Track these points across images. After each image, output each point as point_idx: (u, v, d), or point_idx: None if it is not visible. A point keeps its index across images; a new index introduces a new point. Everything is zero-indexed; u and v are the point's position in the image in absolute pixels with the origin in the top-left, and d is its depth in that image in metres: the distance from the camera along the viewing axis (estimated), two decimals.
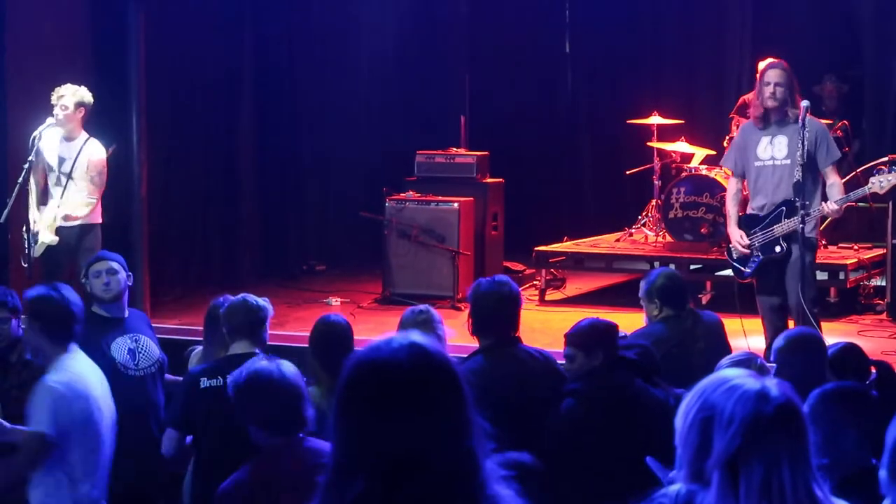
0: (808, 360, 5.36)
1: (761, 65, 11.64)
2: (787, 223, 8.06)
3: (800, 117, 8.00)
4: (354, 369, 2.41)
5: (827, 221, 10.55)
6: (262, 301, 6.15)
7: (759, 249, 8.21)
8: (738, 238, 8.31)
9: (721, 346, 6.80)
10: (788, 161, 8.09)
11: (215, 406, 5.90)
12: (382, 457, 2.33)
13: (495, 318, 5.93)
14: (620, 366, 5.59)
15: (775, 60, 8.46)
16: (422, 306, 6.42)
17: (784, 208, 8.10)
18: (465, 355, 5.98)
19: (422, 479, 2.33)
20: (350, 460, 2.37)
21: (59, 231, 9.17)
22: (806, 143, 7.95)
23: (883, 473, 2.70)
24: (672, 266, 11.22)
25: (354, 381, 2.40)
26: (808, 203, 7.94)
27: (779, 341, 5.57)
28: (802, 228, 7.92)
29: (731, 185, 8.59)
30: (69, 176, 9.20)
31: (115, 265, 6.81)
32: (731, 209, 8.46)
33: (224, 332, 6.16)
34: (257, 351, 6.05)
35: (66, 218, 9.13)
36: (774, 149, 8.20)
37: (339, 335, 6.17)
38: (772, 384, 2.60)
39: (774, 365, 5.38)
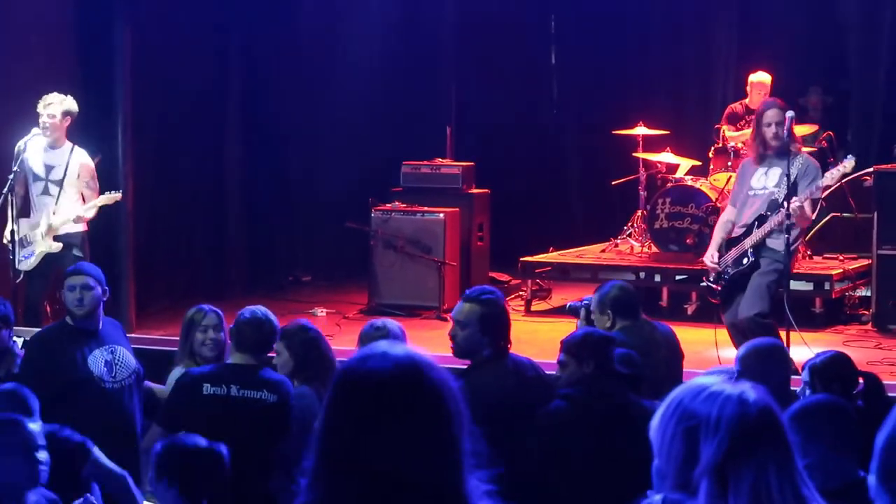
0: (769, 369, 5.42)
1: (753, 77, 11.78)
2: (757, 232, 8.28)
3: (785, 126, 8.17)
4: (342, 378, 2.40)
5: (812, 232, 10.60)
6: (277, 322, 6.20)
7: (731, 265, 8.39)
8: (708, 259, 8.53)
9: (679, 356, 6.84)
10: (777, 189, 8.23)
11: (221, 415, 5.89)
12: (364, 468, 2.31)
13: (503, 327, 5.92)
14: (611, 377, 5.57)
15: (770, 100, 8.63)
16: (378, 322, 6.45)
17: (756, 222, 8.34)
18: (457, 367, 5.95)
19: (405, 494, 2.31)
20: (331, 469, 2.35)
21: (60, 238, 9.22)
22: (795, 170, 8.16)
23: (872, 479, 2.69)
24: (657, 277, 11.26)
25: (341, 390, 2.39)
26: (768, 215, 8.17)
27: (742, 350, 5.72)
28: (766, 248, 8.18)
29: (726, 213, 8.74)
30: (60, 184, 9.21)
31: (90, 281, 6.65)
32: (717, 234, 8.66)
33: (233, 338, 6.18)
34: (259, 365, 6.10)
35: (77, 220, 9.19)
36: (768, 179, 8.39)
37: (318, 338, 6.34)
38: (747, 388, 2.61)
39: (736, 371, 5.45)
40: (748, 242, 8.30)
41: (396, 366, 2.37)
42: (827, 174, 8.23)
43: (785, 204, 8.08)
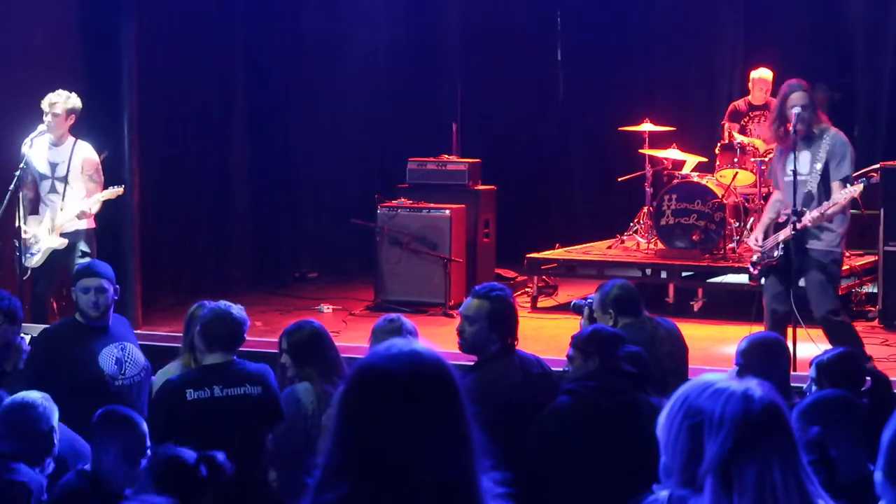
0: (768, 362, 5.43)
1: (754, 74, 11.77)
2: (787, 228, 8.23)
3: (791, 125, 8.13)
4: (355, 375, 2.40)
5: None
6: (243, 312, 6.13)
7: (766, 253, 8.37)
8: (751, 240, 8.56)
9: (683, 351, 6.85)
10: (809, 177, 8.20)
11: (212, 417, 5.87)
12: (371, 463, 2.31)
13: (511, 324, 5.92)
14: (616, 374, 5.57)
15: (794, 81, 8.50)
16: (392, 315, 6.43)
17: (794, 217, 8.24)
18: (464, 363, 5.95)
19: (420, 493, 2.30)
20: (340, 463, 2.35)
21: (66, 235, 9.22)
22: (824, 153, 8.17)
23: (878, 475, 2.70)
24: (664, 273, 11.25)
25: (352, 386, 2.39)
26: (804, 211, 8.09)
27: (741, 344, 5.68)
28: (809, 241, 8.15)
29: (775, 194, 8.71)
30: (65, 180, 9.22)
31: (104, 283, 6.66)
32: (766, 214, 8.68)
33: (201, 341, 6.12)
34: (235, 359, 6.06)
35: (80, 216, 9.17)
36: (799, 164, 8.28)
37: (323, 336, 6.28)
38: (753, 385, 2.61)
39: (736, 367, 5.45)
40: (781, 236, 8.26)
41: (403, 360, 2.36)
42: (839, 193, 8.17)
43: (817, 193, 8.14)
